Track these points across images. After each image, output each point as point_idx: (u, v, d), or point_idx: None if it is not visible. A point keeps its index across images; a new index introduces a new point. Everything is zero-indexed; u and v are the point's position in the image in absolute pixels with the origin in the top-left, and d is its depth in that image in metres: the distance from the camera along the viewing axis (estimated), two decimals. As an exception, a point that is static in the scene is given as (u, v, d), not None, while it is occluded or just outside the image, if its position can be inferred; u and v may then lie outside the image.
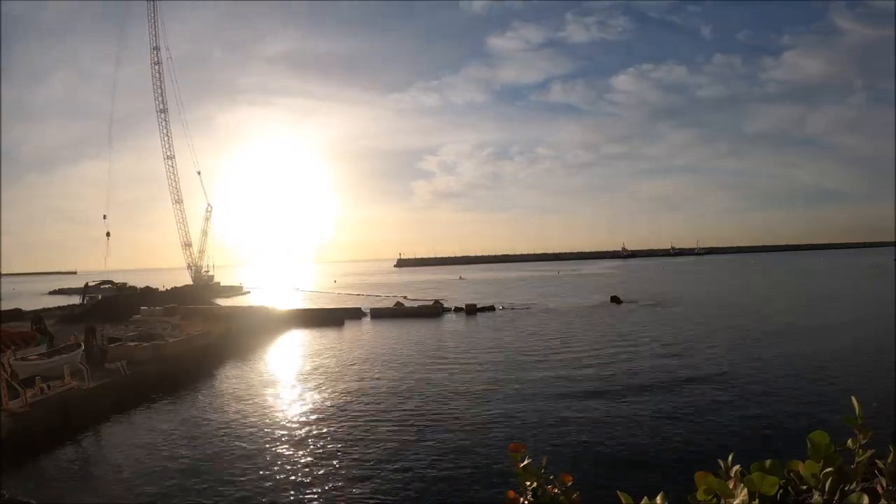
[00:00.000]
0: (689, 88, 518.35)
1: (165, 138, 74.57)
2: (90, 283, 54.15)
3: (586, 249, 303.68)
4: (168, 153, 75.04)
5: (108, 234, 63.91)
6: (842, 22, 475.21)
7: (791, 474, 1.31)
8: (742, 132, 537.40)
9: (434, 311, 50.33)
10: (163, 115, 73.65)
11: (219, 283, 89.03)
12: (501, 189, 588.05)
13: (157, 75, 72.49)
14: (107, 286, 54.62)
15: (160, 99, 73.03)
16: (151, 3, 72.08)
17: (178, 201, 79.45)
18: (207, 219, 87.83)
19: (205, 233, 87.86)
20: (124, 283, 55.17)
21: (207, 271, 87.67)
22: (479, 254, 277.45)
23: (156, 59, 72.69)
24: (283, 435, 17.27)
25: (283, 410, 20.26)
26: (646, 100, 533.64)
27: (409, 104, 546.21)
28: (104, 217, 64.42)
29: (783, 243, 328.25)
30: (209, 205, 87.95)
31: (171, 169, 75.63)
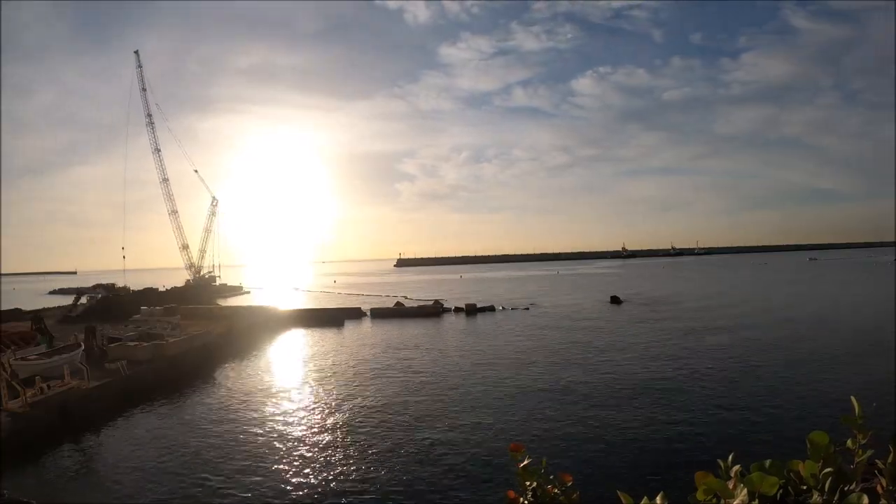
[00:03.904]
0: (653, 91, 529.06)
1: (160, 165, 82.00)
2: (83, 291, 54.49)
3: (586, 249, 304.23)
4: (163, 176, 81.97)
5: None
6: (796, 21, 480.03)
7: (791, 474, 1.31)
8: (714, 133, 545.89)
9: (434, 311, 50.32)
10: (157, 154, 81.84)
11: (225, 282, 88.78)
12: (485, 191, 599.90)
13: (153, 137, 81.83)
14: (99, 290, 54.69)
15: (153, 140, 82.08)
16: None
17: (174, 212, 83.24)
18: (213, 214, 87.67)
19: (207, 230, 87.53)
20: (112, 284, 55.04)
21: (210, 272, 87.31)
22: (478, 254, 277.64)
23: (151, 129, 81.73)
24: (283, 434, 17.28)
25: (283, 410, 20.25)
26: (610, 103, 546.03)
27: (378, 110, 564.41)
28: None
29: (782, 243, 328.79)
30: (214, 198, 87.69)
31: (166, 190, 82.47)
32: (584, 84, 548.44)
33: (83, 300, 50.74)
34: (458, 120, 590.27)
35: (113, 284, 55.25)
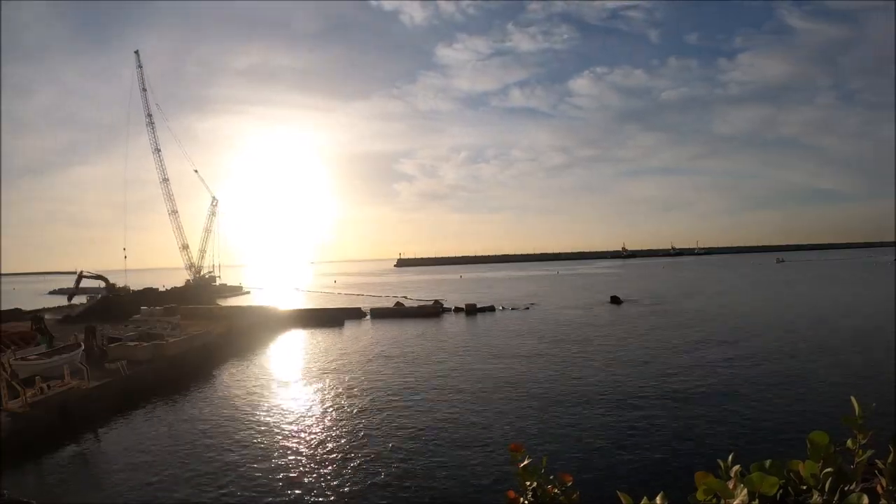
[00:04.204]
0: (651, 91, 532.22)
1: (160, 165, 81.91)
2: (86, 274, 53.96)
3: (586, 249, 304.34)
4: (164, 176, 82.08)
5: None
6: (793, 21, 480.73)
7: (791, 474, 1.31)
8: (713, 133, 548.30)
9: (434, 311, 50.31)
10: (157, 154, 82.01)
11: (225, 283, 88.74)
12: (485, 191, 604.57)
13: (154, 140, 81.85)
14: (100, 281, 54.56)
15: (153, 140, 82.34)
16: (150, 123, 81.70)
17: (174, 212, 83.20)
18: (213, 214, 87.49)
19: (207, 230, 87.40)
20: (114, 284, 55.07)
21: (210, 272, 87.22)
22: (478, 254, 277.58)
23: (151, 129, 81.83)
24: (282, 434, 17.28)
25: (282, 410, 20.25)
26: (607, 103, 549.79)
27: (376, 111, 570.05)
28: None
29: (783, 243, 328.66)
30: (214, 198, 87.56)
31: (167, 190, 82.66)
32: (581, 84, 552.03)
33: (83, 300, 50.71)
34: (457, 120, 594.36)
35: (114, 284, 55.19)
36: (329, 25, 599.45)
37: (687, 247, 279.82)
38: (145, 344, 27.08)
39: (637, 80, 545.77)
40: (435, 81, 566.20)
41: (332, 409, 20.13)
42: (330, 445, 16.13)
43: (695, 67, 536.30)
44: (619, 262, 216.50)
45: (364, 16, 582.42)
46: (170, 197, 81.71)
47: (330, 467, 14.49)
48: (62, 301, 69.47)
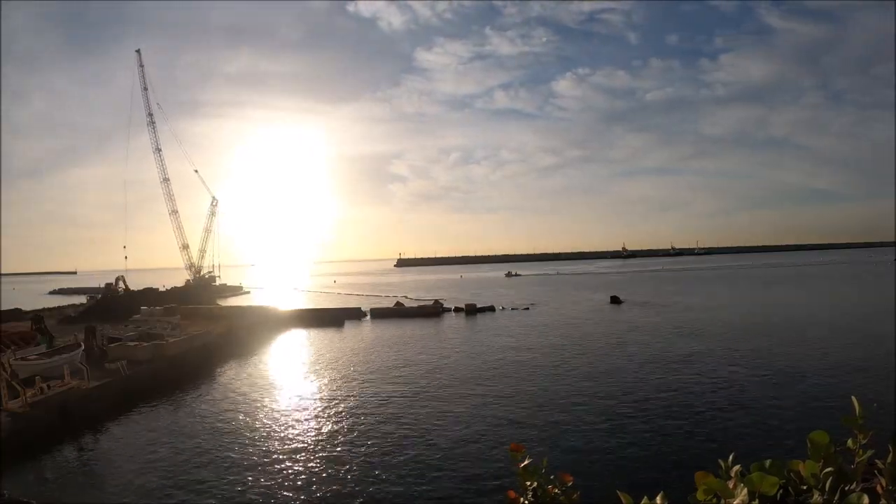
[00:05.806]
0: (635, 92, 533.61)
1: (161, 164, 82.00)
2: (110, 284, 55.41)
3: (586, 249, 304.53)
4: (164, 176, 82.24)
5: None
6: (772, 20, 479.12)
7: (791, 474, 1.31)
8: (701, 134, 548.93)
9: (434, 311, 50.32)
10: (158, 154, 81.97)
11: (225, 283, 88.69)
12: (478, 191, 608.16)
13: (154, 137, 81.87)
14: (120, 280, 55.35)
15: (154, 140, 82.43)
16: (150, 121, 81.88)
17: (174, 212, 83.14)
18: (213, 214, 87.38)
19: (207, 230, 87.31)
20: (116, 284, 55.54)
21: (210, 272, 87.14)
22: (478, 254, 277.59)
23: (153, 128, 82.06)
24: (282, 434, 17.28)
25: (282, 410, 20.25)
26: (592, 104, 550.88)
27: (364, 114, 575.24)
28: None
29: (782, 243, 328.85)
30: (214, 198, 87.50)
31: (167, 190, 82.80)
32: (564, 86, 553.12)
33: (84, 300, 50.78)
34: (444, 122, 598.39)
35: (117, 285, 55.52)
36: (311, 32, 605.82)
37: (687, 247, 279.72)
38: (145, 344, 27.08)
39: (620, 81, 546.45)
40: (418, 85, 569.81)
41: (331, 409, 20.13)
42: (330, 446, 16.13)
43: (677, 68, 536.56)
44: (619, 262, 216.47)
45: (343, 22, 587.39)
46: (170, 197, 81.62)
47: (330, 467, 14.48)
48: (62, 301, 69.50)
